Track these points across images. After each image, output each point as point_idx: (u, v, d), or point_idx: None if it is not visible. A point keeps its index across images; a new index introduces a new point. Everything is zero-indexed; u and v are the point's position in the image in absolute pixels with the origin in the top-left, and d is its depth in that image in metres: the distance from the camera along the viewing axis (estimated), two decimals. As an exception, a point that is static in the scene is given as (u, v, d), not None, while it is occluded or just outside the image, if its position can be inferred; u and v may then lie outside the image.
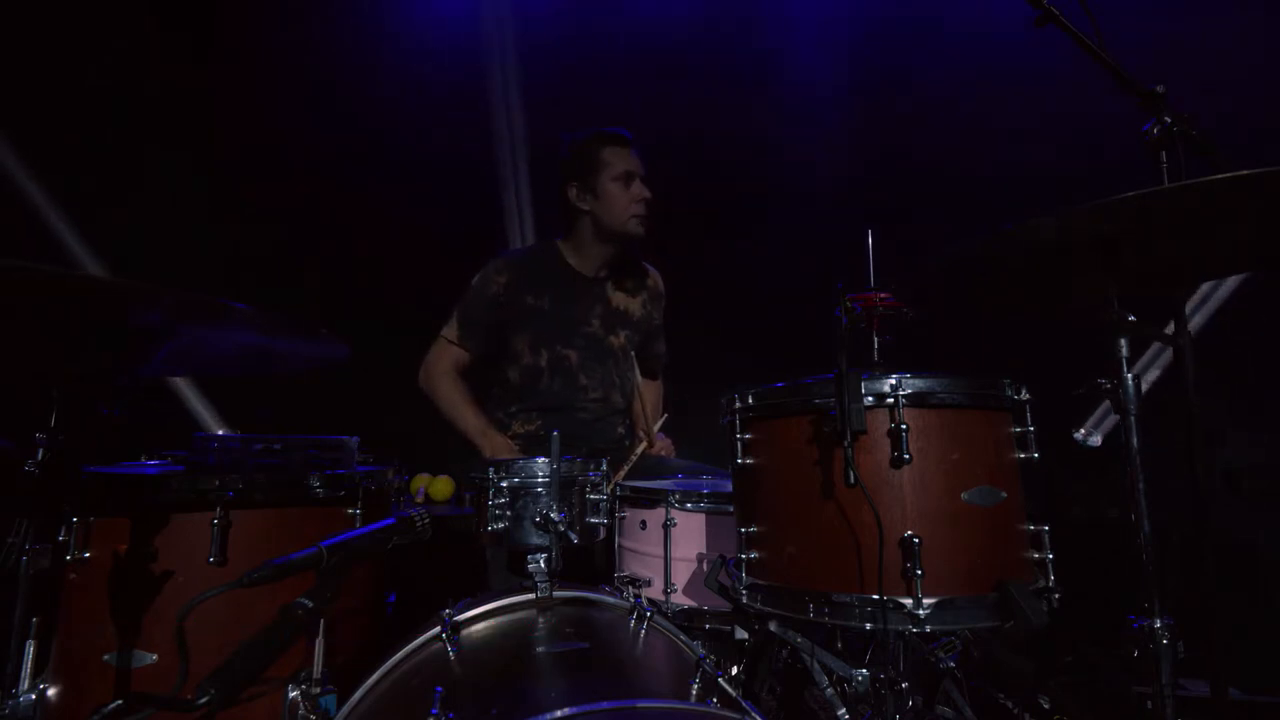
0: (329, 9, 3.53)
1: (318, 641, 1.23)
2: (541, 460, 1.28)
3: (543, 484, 1.26)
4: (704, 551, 1.61)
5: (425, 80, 3.56)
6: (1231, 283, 2.94)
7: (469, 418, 2.22)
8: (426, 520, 1.10)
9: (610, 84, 3.55)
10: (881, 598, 1.08)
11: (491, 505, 1.26)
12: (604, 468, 1.37)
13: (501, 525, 1.26)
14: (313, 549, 0.86)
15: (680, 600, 1.60)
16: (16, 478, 1.10)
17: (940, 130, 3.45)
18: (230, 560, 1.25)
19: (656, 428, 2.29)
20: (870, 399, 1.13)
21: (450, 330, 2.29)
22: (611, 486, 1.63)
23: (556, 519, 1.21)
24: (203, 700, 0.71)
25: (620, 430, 2.44)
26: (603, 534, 1.36)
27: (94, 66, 3.03)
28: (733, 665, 1.52)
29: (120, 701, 0.70)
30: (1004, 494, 1.14)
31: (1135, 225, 1.02)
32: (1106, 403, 1.08)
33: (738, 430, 1.32)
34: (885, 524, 1.08)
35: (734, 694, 0.91)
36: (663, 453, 2.31)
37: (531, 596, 1.15)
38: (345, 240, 3.39)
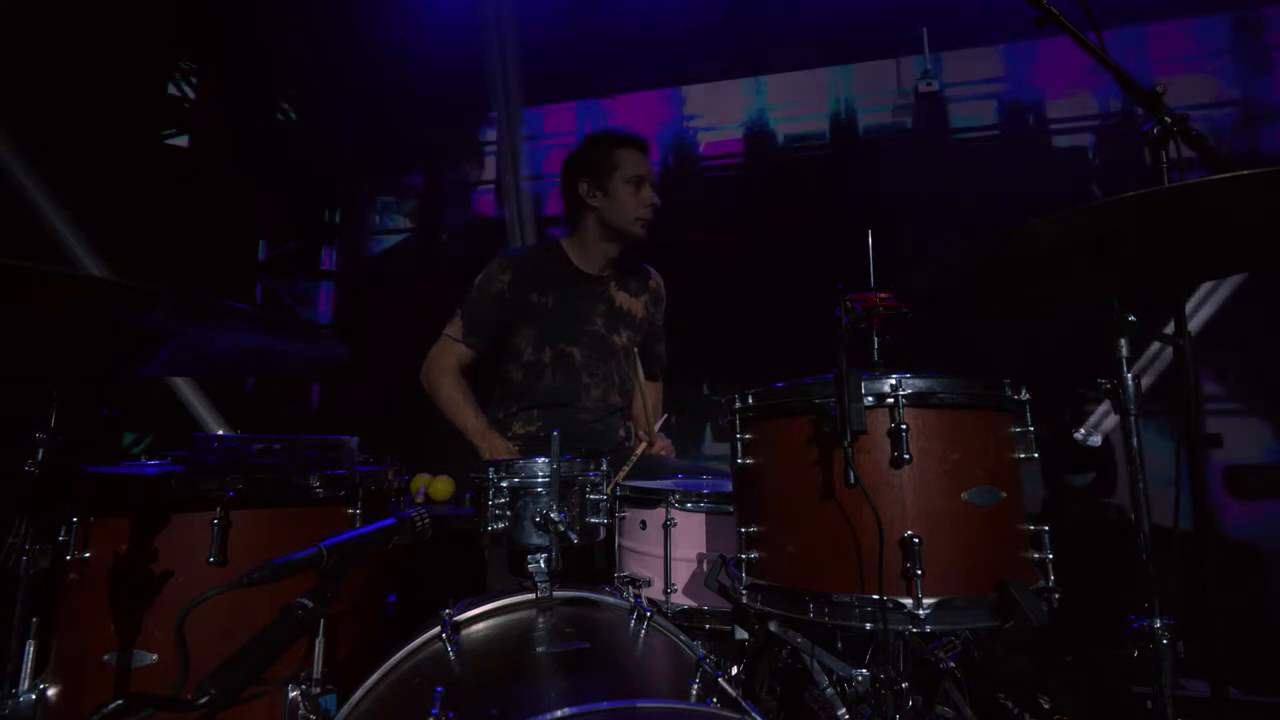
0: (331, 8, 3.53)
1: (318, 641, 1.23)
2: (541, 460, 1.27)
3: (543, 484, 1.26)
4: (704, 551, 1.60)
5: (426, 79, 3.56)
6: (1231, 283, 2.95)
7: (470, 419, 2.22)
8: (426, 520, 1.10)
9: (609, 82, 3.55)
10: (881, 598, 1.08)
11: (491, 505, 1.26)
12: (604, 468, 1.37)
13: (501, 525, 1.25)
14: (313, 549, 0.86)
15: (680, 600, 1.60)
16: (16, 478, 1.10)
17: (942, 130, 3.45)
18: (230, 560, 1.25)
19: (657, 427, 2.29)
20: (870, 399, 1.13)
21: (454, 328, 2.29)
22: (611, 486, 1.63)
23: (556, 519, 1.20)
24: (203, 700, 0.71)
25: (621, 432, 2.44)
26: (603, 534, 1.36)
27: (95, 65, 3.03)
28: (733, 665, 1.52)
29: (120, 701, 0.70)
30: (1004, 494, 1.14)
31: (1135, 225, 1.03)
32: (1106, 403, 1.08)
33: (738, 430, 1.32)
34: (885, 524, 1.08)
35: (734, 694, 0.91)
36: (663, 453, 2.31)
37: (531, 596, 1.15)
38: (345, 240, 3.39)
